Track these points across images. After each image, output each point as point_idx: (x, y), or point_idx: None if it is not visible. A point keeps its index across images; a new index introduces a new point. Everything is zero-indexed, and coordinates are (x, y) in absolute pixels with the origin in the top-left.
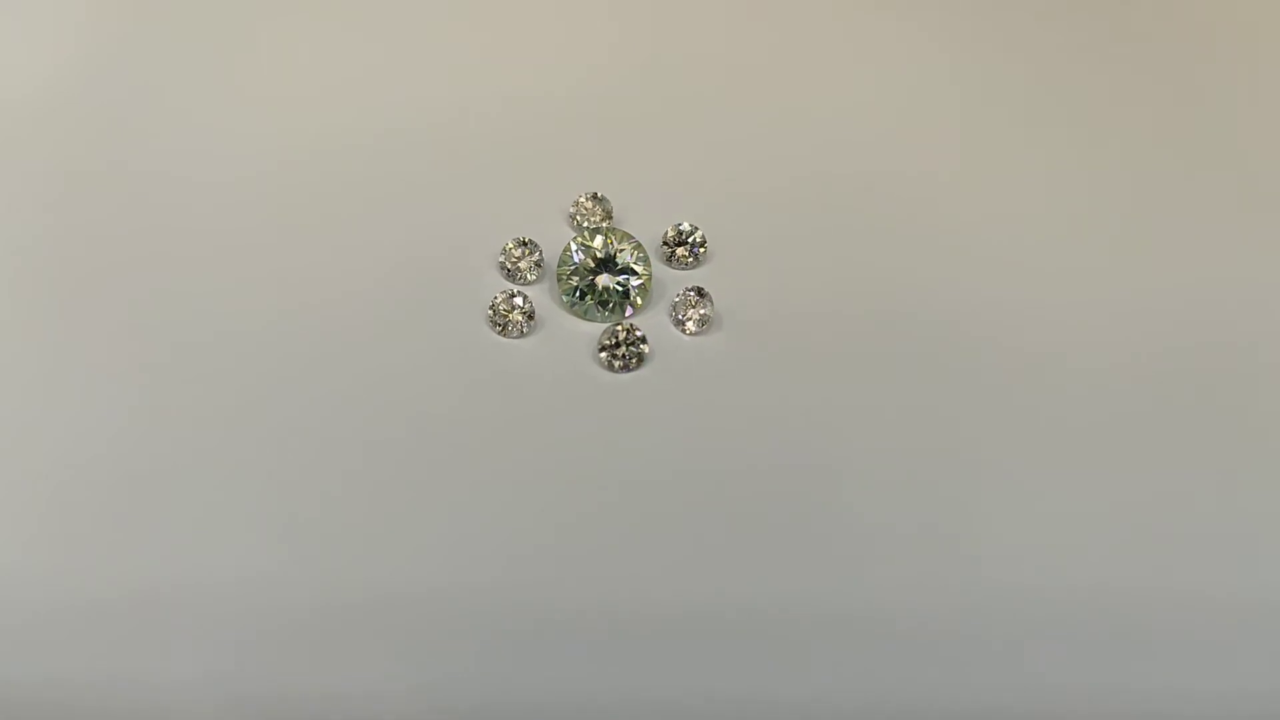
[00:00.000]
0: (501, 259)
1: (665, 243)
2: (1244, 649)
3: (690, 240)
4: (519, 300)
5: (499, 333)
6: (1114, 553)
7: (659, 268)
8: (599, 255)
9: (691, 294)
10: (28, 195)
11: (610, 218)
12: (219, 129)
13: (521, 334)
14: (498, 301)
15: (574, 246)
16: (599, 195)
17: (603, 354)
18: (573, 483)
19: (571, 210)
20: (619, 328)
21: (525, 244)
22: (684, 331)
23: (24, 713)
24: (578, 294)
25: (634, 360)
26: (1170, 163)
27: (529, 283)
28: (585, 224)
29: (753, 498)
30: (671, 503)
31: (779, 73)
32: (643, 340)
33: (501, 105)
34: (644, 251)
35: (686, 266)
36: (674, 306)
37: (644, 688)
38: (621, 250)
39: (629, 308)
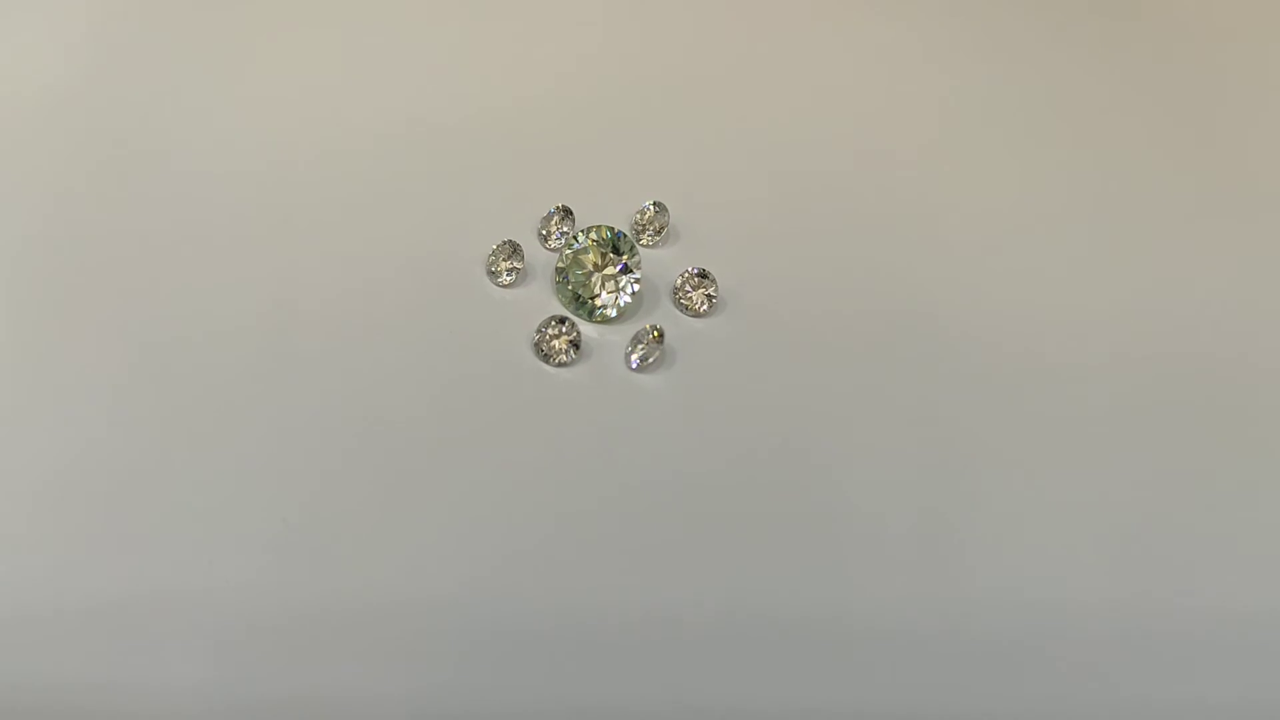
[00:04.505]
0: (542, 219)
1: (681, 280)
2: (1244, 659)
3: (706, 291)
4: (515, 255)
5: (488, 278)
6: (1112, 557)
7: (664, 299)
8: (602, 253)
9: (649, 332)
10: (26, 197)
11: (660, 232)
12: (218, 131)
13: (504, 286)
14: (496, 249)
15: (581, 235)
16: (662, 205)
17: (535, 334)
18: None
19: (636, 215)
20: (564, 323)
21: (563, 211)
22: (628, 363)
23: (23, 713)
24: (564, 277)
25: (553, 358)
26: (1167, 166)
27: (554, 250)
28: (642, 229)
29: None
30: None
31: (780, 75)
32: (575, 345)
33: (522, 106)
34: (638, 273)
35: (689, 311)
36: (633, 337)
37: (640, 690)
38: (620, 261)
39: (601, 313)
